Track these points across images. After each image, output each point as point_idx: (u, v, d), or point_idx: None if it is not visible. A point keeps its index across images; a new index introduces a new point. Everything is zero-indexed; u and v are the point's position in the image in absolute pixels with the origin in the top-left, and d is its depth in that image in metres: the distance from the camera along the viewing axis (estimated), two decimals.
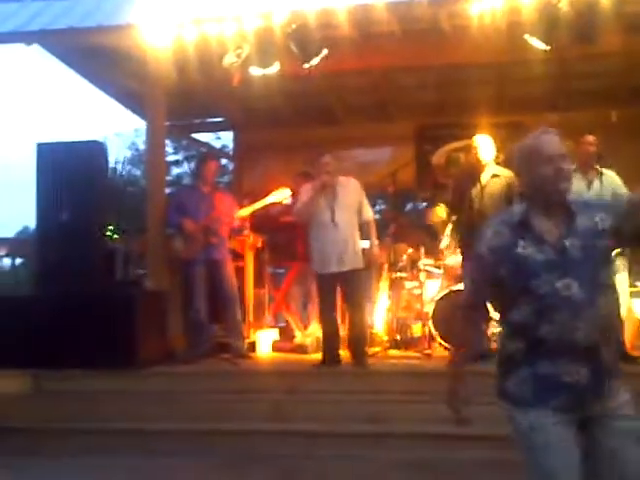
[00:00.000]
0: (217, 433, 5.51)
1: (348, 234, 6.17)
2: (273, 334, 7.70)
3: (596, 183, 6.12)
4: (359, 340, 6.27)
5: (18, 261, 11.59)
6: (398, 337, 7.27)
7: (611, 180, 6.16)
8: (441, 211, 7.40)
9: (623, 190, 5.96)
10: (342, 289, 6.30)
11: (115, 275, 7.43)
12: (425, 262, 7.29)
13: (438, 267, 7.43)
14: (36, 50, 7.16)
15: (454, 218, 6.67)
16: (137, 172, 24.75)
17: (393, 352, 7.03)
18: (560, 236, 2.47)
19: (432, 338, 6.91)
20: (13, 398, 5.99)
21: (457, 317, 2.76)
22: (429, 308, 6.99)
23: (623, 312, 5.48)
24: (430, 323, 6.91)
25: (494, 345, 6.28)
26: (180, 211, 6.83)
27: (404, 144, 9.77)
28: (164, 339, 6.67)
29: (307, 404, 5.68)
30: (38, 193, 6.65)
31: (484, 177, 6.10)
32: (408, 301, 7.50)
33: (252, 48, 6.59)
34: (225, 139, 18.13)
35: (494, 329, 6.55)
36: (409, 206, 17.20)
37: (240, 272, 7.19)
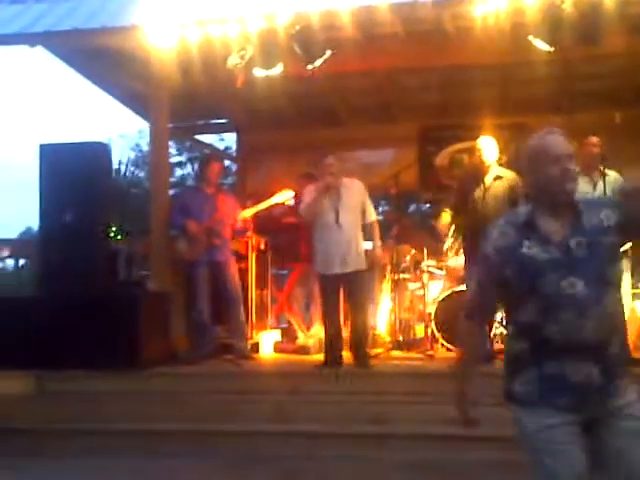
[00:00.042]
0: (220, 434, 5.50)
1: (352, 235, 6.17)
2: (276, 335, 7.71)
3: (600, 184, 6.12)
4: (361, 341, 6.27)
5: (21, 262, 11.57)
6: (401, 338, 7.27)
7: (615, 181, 6.16)
8: (446, 217, 7.40)
9: None
10: (345, 290, 6.30)
11: (118, 276, 7.43)
12: (428, 263, 7.29)
13: (441, 268, 7.43)
14: (40, 52, 7.19)
15: (457, 220, 6.66)
16: (141, 173, 24.75)
17: (396, 353, 7.03)
18: (566, 236, 2.46)
19: (435, 339, 6.91)
20: (16, 399, 5.99)
21: (462, 318, 2.75)
22: (432, 309, 7.00)
23: (626, 313, 5.47)
24: (433, 324, 6.91)
25: (497, 346, 6.29)
26: (184, 212, 6.83)
27: (407, 145, 9.76)
28: (167, 340, 6.68)
29: (310, 405, 5.68)
30: (41, 194, 6.65)
31: (488, 179, 6.09)
32: (411, 302, 7.52)
33: (256, 49, 6.59)
34: (228, 141, 18.09)
35: (496, 331, 6.58)
36: (412, 207, 17.16)
37: (243, 273, 7.20)
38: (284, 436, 5.39)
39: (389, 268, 7.54)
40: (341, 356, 6.29)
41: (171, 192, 8.28)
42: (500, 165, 6.19)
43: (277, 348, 7.42)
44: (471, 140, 6.78)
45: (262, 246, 7.57)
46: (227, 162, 13.97)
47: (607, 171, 6.15)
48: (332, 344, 6.26)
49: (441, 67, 8.22)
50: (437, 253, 7.44)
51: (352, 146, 9.69)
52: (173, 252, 6.89)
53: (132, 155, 25.23)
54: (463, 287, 6.73)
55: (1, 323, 6.22)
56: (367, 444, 5.25)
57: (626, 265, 5.94)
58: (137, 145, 24.98)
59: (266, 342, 7.34)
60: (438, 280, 7.45)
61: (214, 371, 6.39)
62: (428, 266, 7.29)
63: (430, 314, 6.98)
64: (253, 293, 7.42)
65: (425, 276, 7.23)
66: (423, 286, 7.24)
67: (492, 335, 6.31)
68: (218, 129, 12.35)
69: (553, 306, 2.42)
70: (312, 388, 5.90)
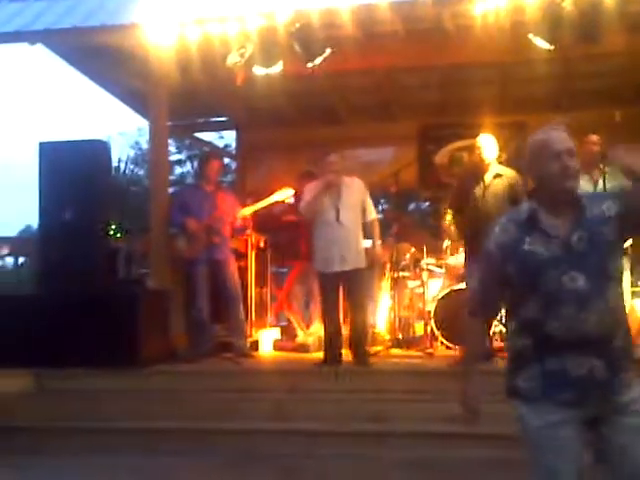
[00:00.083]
0: (219, 432, 5.51)
1: (352, 233, 6.17)
2: (275, 333, 7.71)
3: (601, 183, 6.12)
4: (361, 339, 6.27)
5: (21, 260, 11.58)
6: (400, 336, 7.27)
7: (615, 179, 6.16)
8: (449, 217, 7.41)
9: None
10: (344, 288, 6.29)
11: (118, 274, 7.43)
12: (427, 261, 7.30)
13: (440, 266, 7.44)
14: (40, 49, 7.19)
15: (457, 218, 6.66)
16: (140, 171, 24.74)
17: (395, 351, 7.03)
18: (567, 231, 2.46)
19: (434, 337, 6.92)
20: (16, 397, 6.00)
21: (464, 316, 2.75)
22: (431, 307, 7.00)
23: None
24: (432, 322, 6.92)
25: (496, 344, 6.30)
26: (183, 210, 6.83)
27: (407, 144, 9.76)
28: (166, 338, 6.68)
29: (309, 403, 5.68)
30: (41, 192, 6.65)
31: (487, 177, 6.08)
32: (410, 300, 7.52)
33: (255, 47, 6.59)
34: (228, 138, 18.11)
35: (496, 329, 6.58)
36: (412, 206, 17.18)
37: (242, 271, 7.20)
38: (283, 434, 5.40)
39: (389, 266, 7.55)
40: (340, 354, 6.29)
41: (171, 190, 8.27)
42: (500, 163, 6.19)
43: (276, 346, 7.42)
44: (471, 138, 6.78)
45: (262, 244, 7.57)
46: (227, 160, 13.98)
47: (608, 169, 6.14)
48: (331, 342, 6.26)
49: (441, 65, 8.22)
50: (437, 251, 7.45)
51: (352, 144, 9.69)
52: (172, 250, 6.89)
53: (132, 153, 25.21)
54: (463, 285, 6.73)
55: (1, 321, 6.22)
56: (366, 442, 5.25)
57: (626, 263, 5.93)
58: (136, 143, 24.96)
59: (265, 340, 7.34)
60: (438, 278, 7.45)
61: (213, 369, 6.39)
62: (428, 264, 7.29)
63: (429, 312, 6.99)
64: (253, 291, 7.42)
65: (425, 274, 7.23)
66: (423, 284, 7.24)
67: (491, 333, 6.31)
68: (218, 127, 12.36)
69: (554, 302, 2.43)
70: (311, 386, 5.90)
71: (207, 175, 7.01)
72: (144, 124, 11.14)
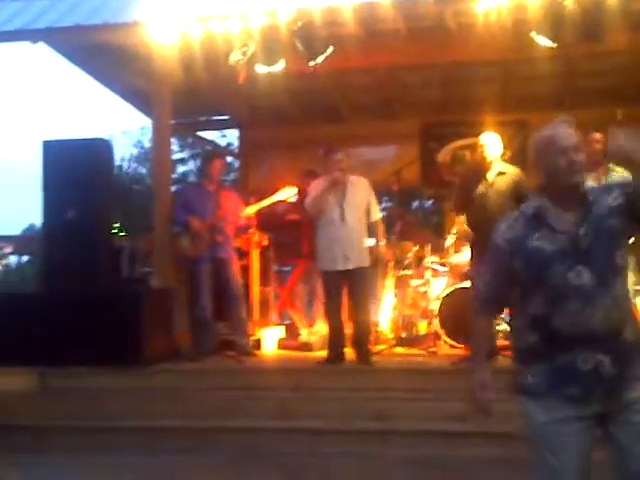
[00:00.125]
0: (222, 430, 5.51)
1: (355, 232, 6.17)
2: (278, 332, 7.70)
3: (604, 180, 6.10)
4: (364, 338, 6.27)
5: (24, 259, 11.61)
6: (403, 335, 7.27)
7: (619, 176, 6.14)
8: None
9: None
10: (348, 287, 6.29)
11: (121, 273, 7.44)
12: (431, 260, 7.28)
13: (444, 265, 7.43)
14: (42, 48, 7.19)
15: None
16: (143, 170, 24.81)
17: (398, 350, 7.03)
18: (574, 226, 2.46)
19: (437, 336, 6.90)
20: (19, 396, 6.00)
21: (471, 313, 2.75)
22: (434, 306, 6.99)
23: None
24: (435, 321, 6.91)
25: (499, 343, 6.29)
26: (186, 209, 6.83)
27: (409, 142, 9.77)
28: (170, 337, 6.68)
29: (312, 402, 5.68)
30: (44, 191, 6.65)
31: (490, 175, 6.06)
32: (413, 299, 7.50)
33: (258, 46, 6.59)
34: (230, 137, 18.19)
35: (499, 327, 6.58)
36: (415, 204, 17.17)
37: (246, 270, 7.20)
38: (287, 433, 5.40)
39: (392, 265, 7.54)
40: (344, 353, 6.29)
41: (173, 189, 8.27)
42: (504, 161, 6.18)
43: (280, 345, 7.42)
44: (473, 137, 6.77)
45: (265, 243, 7.57)
46: (229, 159, 13.99)
47: (611, 166, 6.13)
48: (335, 341, 6.26)
49: (443, 63, 8.22)
50: (440, 249, 7.44)
51: (354, 143, 9.67)
52: (176, 249, 6.89)
53: (134, 152, 25.31)
54: (466, 284, 6.72)
55: (4, 320, 6.23)
56: (370, 440, 5.26)
57: (631, 262, 5.92)
58: (139, 142, 25.04)
59: (269, 339, 7.34)
60: (441, 277, 7.43)
61: (216, 368, 6.39)
62: (431, 262, 7.28)
63: (433, 311, 6.98)
64: (256, 290, 7.42)
65: (428, 272, 7.22)
66: (426, 283, 7.23)
67: (495, 331, 6.30)
68: (220, 125, 12.37)
69: (560, 297, 2.43)
70: (315, 385, 5.90)
71: (210, 174, 7.00)
72: (147, 123, 11.13)
